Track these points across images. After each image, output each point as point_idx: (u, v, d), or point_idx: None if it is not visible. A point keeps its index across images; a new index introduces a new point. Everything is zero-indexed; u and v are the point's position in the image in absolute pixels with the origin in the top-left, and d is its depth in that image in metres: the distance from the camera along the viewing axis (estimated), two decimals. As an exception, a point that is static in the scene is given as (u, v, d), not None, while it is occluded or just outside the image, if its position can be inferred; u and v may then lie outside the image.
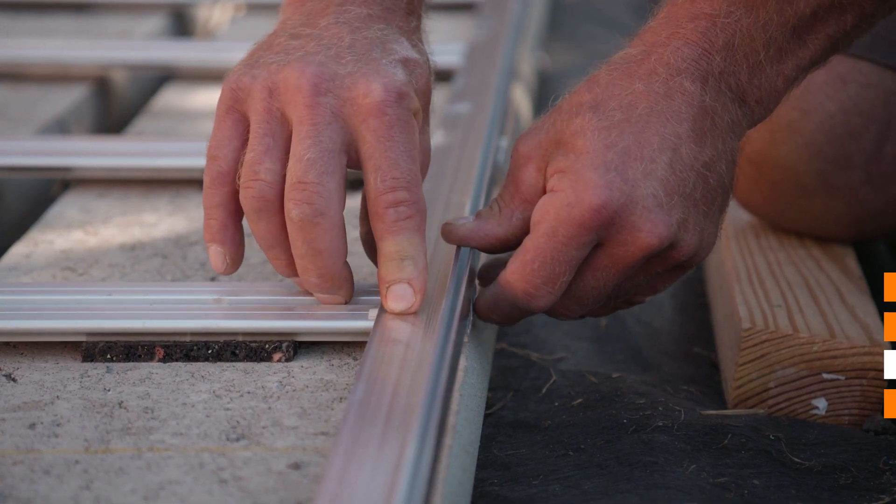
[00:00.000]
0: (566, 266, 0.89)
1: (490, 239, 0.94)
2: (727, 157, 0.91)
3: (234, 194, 0.92)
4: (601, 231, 0.89)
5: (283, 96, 0.90)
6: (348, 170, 0.91)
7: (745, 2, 0.90)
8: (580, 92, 0.92)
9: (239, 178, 0.91)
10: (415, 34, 0.96)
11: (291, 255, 0.92)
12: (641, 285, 0.94)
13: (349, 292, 0.93)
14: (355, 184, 1.23)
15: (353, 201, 0.98)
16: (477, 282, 0.98)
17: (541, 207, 0.90)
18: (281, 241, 0.91)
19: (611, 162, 0.88)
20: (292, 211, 0.89)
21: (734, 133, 0.92)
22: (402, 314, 0.91)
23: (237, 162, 0.92)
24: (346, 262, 0.92)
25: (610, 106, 0.90)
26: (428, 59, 0.96)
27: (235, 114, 0.92)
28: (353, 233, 1.16)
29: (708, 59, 0.90)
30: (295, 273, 0.93)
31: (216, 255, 0.94)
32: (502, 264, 0.94)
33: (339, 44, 0.92)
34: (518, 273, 0.90)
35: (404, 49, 0.93)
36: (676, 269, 0.93)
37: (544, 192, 0.91)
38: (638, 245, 0.89)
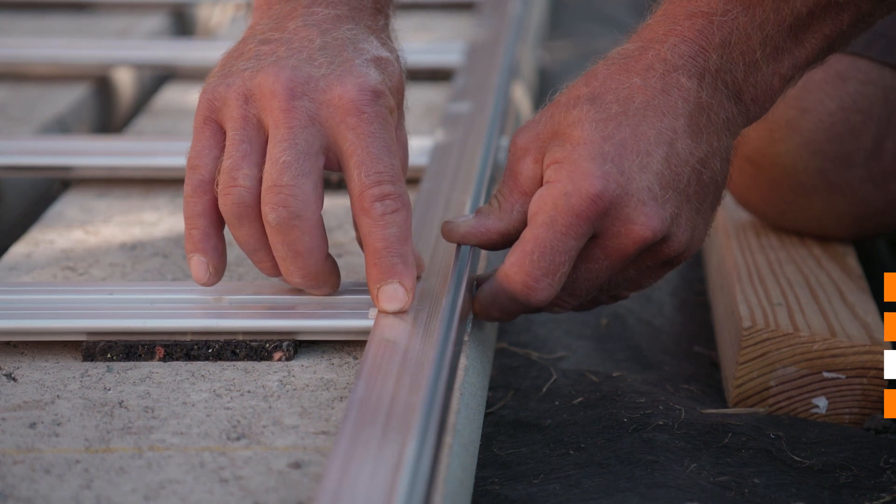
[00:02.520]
0: (565, 256, 0.89)
1: (491, 234, 0.94)
2: (721, 155, 0.91)
3: (216, 203, 0.92)
4: (597, 222, 0.89)
5: (258, 102, 0.90)
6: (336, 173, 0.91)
7: (742, 0, 0.90)
8: (578, 85, 0.92)
9: (217, 186, 0.91)
10: (383, 32, 0.96)
11: (275, 258, 0.92)
12: (631, 278, 0.94)
13: (334, 285, 0.94)
14: (343, 184, 1.23)
15: (345, 201, 0.97)
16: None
17: (538, 199, 0.90)
18: (263, 244, 0.91)
19: (607, 153, 0.89)
20: (269, 215, 0.89)
21: (729, 131, 0.92)
22: (395, 314, 0.91)
23: (217, 171, 0.92)
24: (329, 257, 0.92)
25: (607, 99, 0.90)
26: (399, 57, 0.96)
27: (213, 124, 0.92)
28: (352, 233, 1.16)
29: (705, 57, 0.90)
30: (279, 273, 0.93)
31: (199, 266, 0.93)
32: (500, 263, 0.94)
33: (311, 46, 0.92)
34: (517, 265, 0.90)
35: (375, 48, 0.93)
36: (665, 265, 0.94)
37: (542, 183, 0.91)
38: (632, 237, 0.89)
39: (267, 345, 0.93)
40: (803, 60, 0.92)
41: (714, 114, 0.91)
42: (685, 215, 0.90)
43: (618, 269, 0.91)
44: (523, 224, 0.92)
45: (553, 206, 0.89)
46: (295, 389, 0.89)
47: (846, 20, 0.91)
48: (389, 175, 0.89)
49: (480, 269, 1.02)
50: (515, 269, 0.90)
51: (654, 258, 0.92)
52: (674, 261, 0.93)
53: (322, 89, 0.90)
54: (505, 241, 0.94)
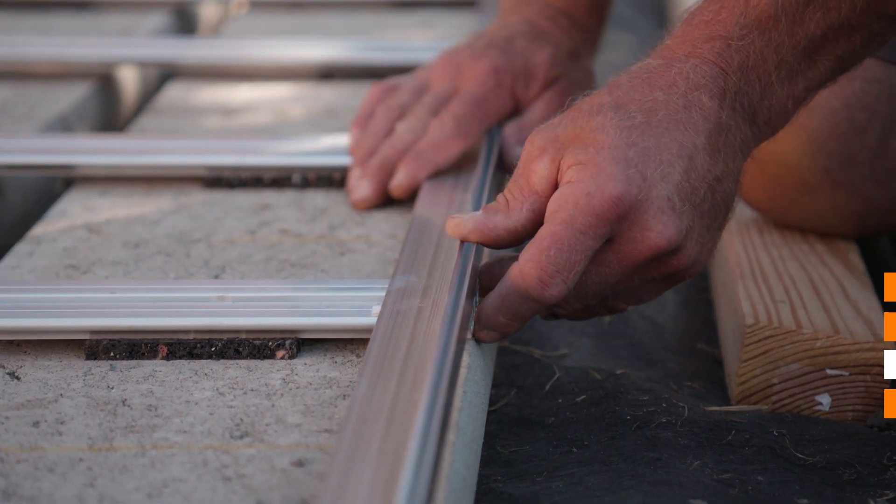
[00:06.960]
0: (581, 255, 0.89)
1: (499, 231, 0.94)
2: (734, 176, 0.93)
3: None
4: (616, 225, 0.89)
5: None
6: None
7: (758, 25, 0.91)
8: (601, 94, 0.93)
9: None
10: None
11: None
12: (633, 289, 0.94)
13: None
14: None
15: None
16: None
17: (558, 197, 0.90)
18: None
19: (631, 159, 0.89)
20: None
21: (742, 153, 0.93)
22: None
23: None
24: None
25: (631, 108, 0.91)
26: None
27: None
28: (355, 231, 1.16)
29: (725, 78, 0.92)
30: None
31: None
32: (502, 272, 0.93)
33: None
34: (534, 260, 0.90)
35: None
36: (668, 279, 0.94)
37: (556, 184, 0.92)
38: (646, 244, 0.90)
39: (270, 343, 0.93)
40: (816, 82, 0.94)
41: (731, 135, 0.92)
42: (697, 230, 0.91)
43: (626, 275, 0.92)
44: (531, 223, 0.93)
45: (574, 204, 0.89)
46: (298, 388, 0.89)
47: (858, 41, 0.92)
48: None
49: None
50: (531, 265, 0.90)
51: (660, 269, 0.92)
52: (677, 276, 0.93)
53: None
54: (512, 239, 0.94)
